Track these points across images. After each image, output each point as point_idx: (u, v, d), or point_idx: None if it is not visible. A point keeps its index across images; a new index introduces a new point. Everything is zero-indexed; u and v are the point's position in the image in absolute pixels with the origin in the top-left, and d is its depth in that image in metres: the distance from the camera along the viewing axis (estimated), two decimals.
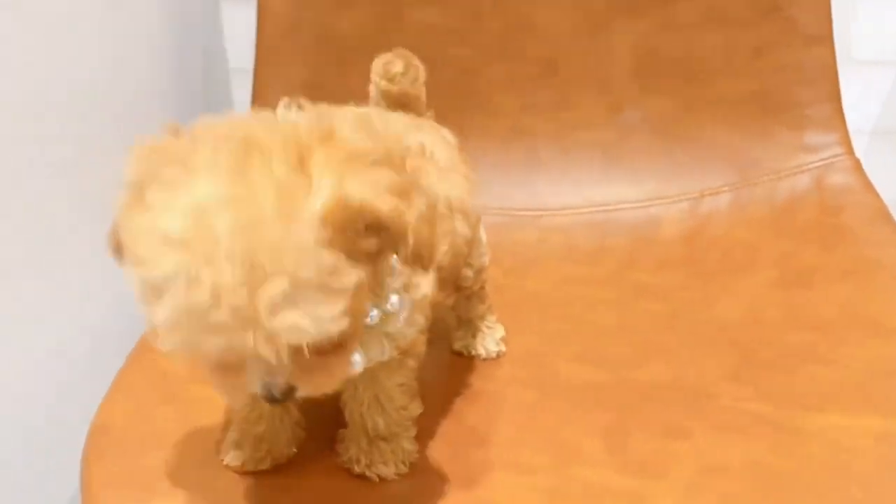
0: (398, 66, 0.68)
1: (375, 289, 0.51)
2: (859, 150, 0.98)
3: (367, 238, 0.44)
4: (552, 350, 0.77)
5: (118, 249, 0.44)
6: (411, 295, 0.56)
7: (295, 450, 0.63)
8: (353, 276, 0.43)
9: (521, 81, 1.02)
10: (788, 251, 0.89)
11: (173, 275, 0.41)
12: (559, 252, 0.96)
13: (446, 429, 0.66)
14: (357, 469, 0.62)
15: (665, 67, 0.99)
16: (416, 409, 0.63)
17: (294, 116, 0.48)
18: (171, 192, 0.42)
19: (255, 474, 0.62)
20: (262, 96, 1.01)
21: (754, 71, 0.98)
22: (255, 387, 0.46)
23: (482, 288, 0.76)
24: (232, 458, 0.62)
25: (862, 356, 0.72)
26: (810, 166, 0.96)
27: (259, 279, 0.41)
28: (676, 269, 0.91)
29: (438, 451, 0.64)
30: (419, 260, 0.46)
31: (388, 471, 0.61)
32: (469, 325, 0.77)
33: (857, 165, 0.95)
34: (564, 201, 1.01)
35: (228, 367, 0.46)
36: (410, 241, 0.45)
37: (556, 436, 0.66)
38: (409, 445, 0.63)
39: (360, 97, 0.69)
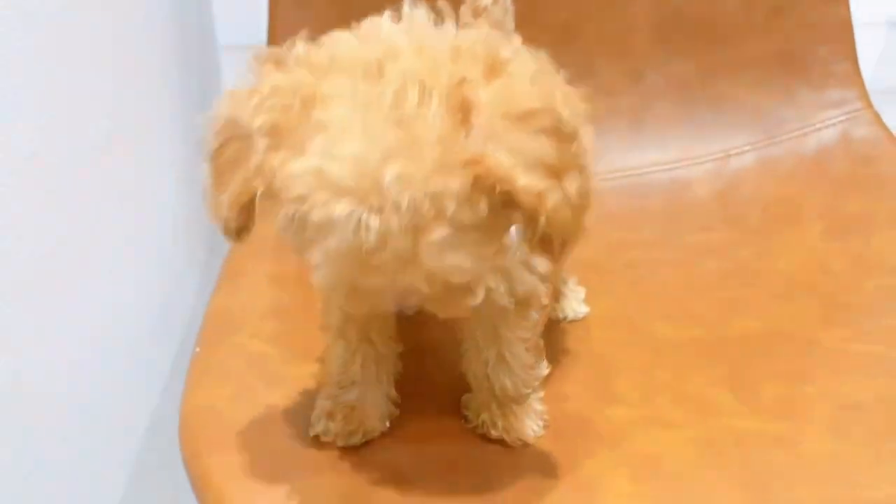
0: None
1: None
2: None
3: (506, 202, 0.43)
4: (637, 312, 0.76)
5: (268, 192, 0.43)
6: None
7: (388, 424, 0.60)
8: (505, 219, 0.44)
9: (539, 48, 0.99)
10: (831, 203, 0.90)
11: (343, 220, 0.41)
12: (597, 218, 0.95)
13: (571, 391, 0.64)
14: (494, 433, 0.59)
15: (685, 29, 0.99)
16: (543, 369, 0.60)
17: (449, 31, 0.46)
18: (329, 137, 0.42)
19: (389, 445, 0.58)
20: None
21: (775, 30, 0.99)
22: (390, 307, 0.49)
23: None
24: (323, 429, 0.58)
25: None
26: (834, 121, 0.98)
27: (423, 226, 0.41)
28: (722, 228, 0.91)
29: (573, 412, 0.62)
30: (546, 246, 0.44)
31: (528, 433, 0.58)
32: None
33: (878, 118, 0.98)
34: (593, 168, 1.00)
35: (369, 293, 0.45)
36: (540, 224, 0.42)
37: (683, 391, 0.65)
38: (540, 406, 0.60)
39: None
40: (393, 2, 0.95)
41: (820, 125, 0.98)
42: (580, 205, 0.43)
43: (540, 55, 0.51)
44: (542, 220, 0.42)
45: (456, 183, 0.41)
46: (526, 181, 0.41)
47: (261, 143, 0.43)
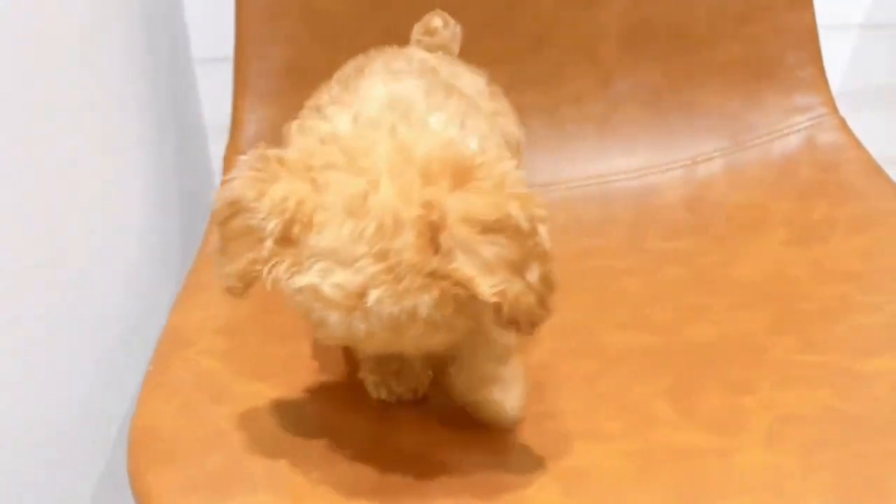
0: (437, 21, 0.75)
1: None
2: None
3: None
4: (592, 321, 0.76)
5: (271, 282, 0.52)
6: None
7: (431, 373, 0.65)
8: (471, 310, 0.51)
9: (512, 56, 1.00)
10: (794, 209, 0.90)
11: (336, 324, 0.51)
12: (564, 226, 0.95)
13: None
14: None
15: (653, 36, 1.00)
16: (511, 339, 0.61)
17: (412, 133, 0.53)
18: (323, 266, 0.50)
19: (327, 461, 0.59)
20: (244, 80, 0.97)
21: (741, 36, 0.99)
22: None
23: None
24: (385, 394, 0.65)
25: None
26: (800, 127, 0.98)
27: (402, 330, 0.51)
28: (686, 236, 0.91)
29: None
30: (514, 325, 0.50)
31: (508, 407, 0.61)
32: None
33: (843, 123, 0.98)
34: (561, 175, 1.01)
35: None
36: (504, 312, 0.49)
37: (624, 402, 0.65)
38: (522, 389, 0.61)
39: None
40: (360, 17, 0.97)
41: (786, 131, 0.98)
42: (543, 290, 0.50)
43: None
44: (505, 309, 0.49)
45: (426, 297, 0.50)
46: (486, 286, 0.49)
47: (268, 242, 0.51)
